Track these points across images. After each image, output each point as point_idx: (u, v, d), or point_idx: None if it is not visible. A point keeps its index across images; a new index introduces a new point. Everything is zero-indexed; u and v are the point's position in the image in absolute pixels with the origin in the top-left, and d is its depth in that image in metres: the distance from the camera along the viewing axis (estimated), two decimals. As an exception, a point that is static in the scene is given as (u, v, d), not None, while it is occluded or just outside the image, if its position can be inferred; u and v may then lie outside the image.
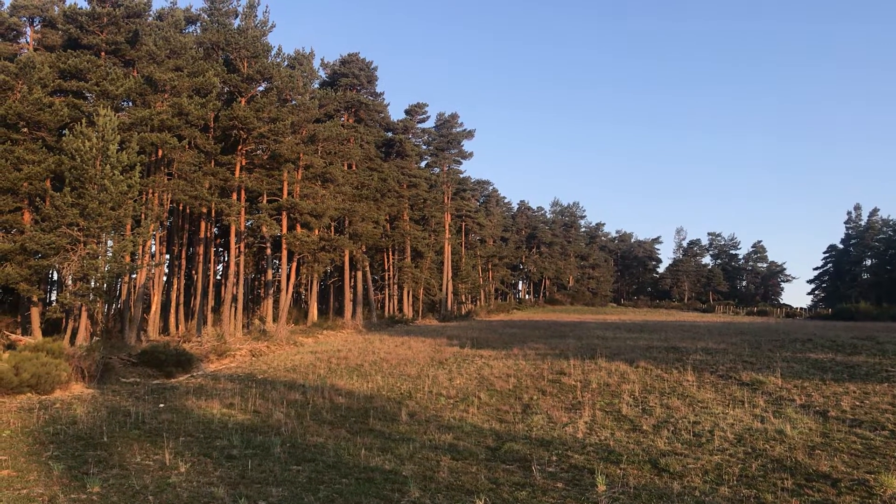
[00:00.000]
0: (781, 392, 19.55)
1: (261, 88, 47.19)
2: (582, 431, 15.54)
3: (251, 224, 49.36)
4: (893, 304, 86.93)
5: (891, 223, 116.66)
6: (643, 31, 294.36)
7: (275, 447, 13.47)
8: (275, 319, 49.16)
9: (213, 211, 45.48)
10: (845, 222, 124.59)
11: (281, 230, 47.74)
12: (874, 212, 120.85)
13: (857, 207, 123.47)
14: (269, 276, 52.64)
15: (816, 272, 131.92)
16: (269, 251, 51.70)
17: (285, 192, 48.82)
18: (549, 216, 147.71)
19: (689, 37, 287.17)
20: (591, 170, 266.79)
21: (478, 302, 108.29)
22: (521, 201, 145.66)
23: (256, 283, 71.48)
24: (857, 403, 17.38)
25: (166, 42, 38.83)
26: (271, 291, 51.95)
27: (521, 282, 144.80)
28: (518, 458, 13.00)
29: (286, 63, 51.00)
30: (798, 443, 13.73)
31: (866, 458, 12.47)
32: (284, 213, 48.10)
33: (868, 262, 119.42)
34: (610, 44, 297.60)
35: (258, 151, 47.68)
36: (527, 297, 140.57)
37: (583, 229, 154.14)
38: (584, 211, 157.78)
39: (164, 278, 47.60)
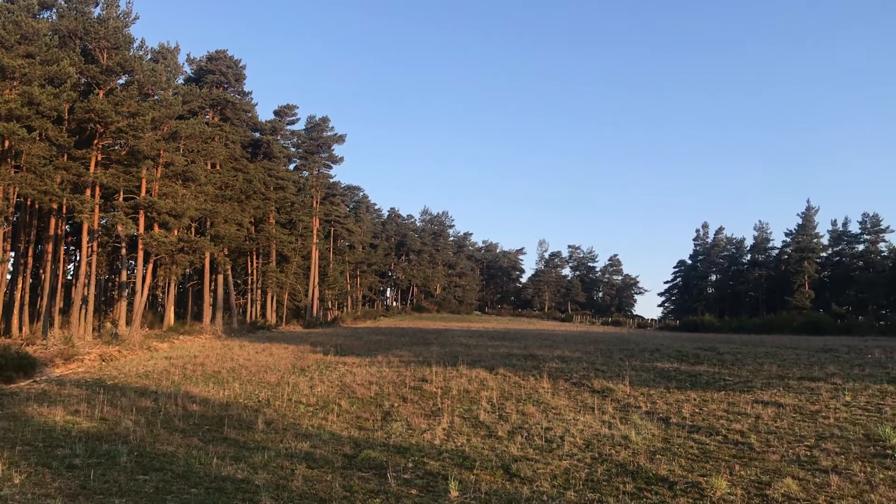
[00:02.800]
0: (629, 399, 20.53)
1: (121, 81, 45.18)
2: (439, 438, 15.77)
3: (106, 222, 47.18)
4: (734, 316, 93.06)
5: (734, 241, 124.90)
6: (509, 43, 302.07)
7: (121, 456, 12.94)
8: (129, 323, 47.03)
9: (64, 207, 43.08)
10: (694, 239, 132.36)
11: (137, 230, 45.76)
12: (720, 230, 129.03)
13: (705, 225, 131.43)
14: (124, 278, 50.36)
15: (667, 286, 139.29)
16: (124, 251, 49.43)
17: (143, 189, 46.89)
18: (418, 224, 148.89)
19: (552, 54, 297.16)
20: (460, 180, 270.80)
21: (345, 308, 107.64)
22: (391, 208, 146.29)
23: (110, 284, 68.19)
24: (697, 410, 18.49)
25: (17, 26, 36.59)
26: (126, 293, 49.72)
27: (389, 289, 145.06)
28: (374, 466, 13.05)
29: (149, 56, 49.19)
30: (641, 448, 14.46)
31: (701, 461, 13.27)
32: (142, 211, 46.16)
33: (713, 278, 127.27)
34: (478, 56, 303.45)
35: (116, 147, 45.66)
36: (394, 304, 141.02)
37: (451, 238, 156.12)
38: (452, 220, 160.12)
39: (9, 277, 44.59)
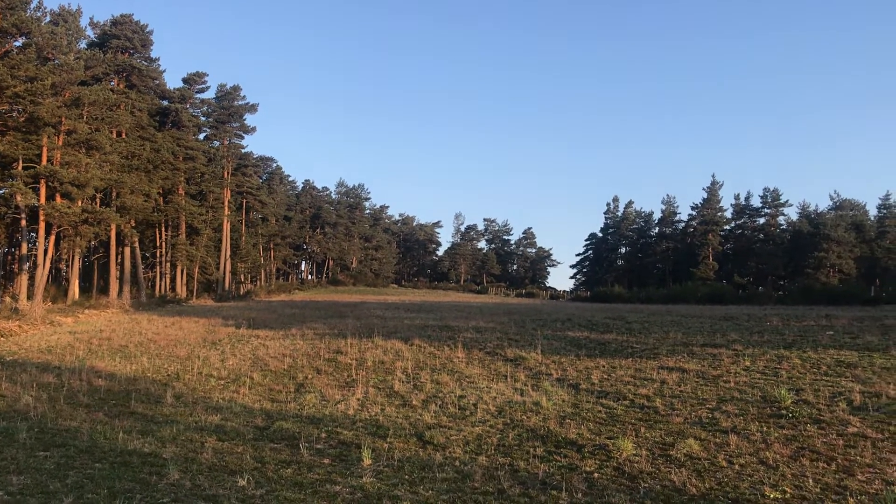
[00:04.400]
0: (541, 367, 20.99)
1: (17, 44, 42.94)
2: (354, 408, 15.77)
3: (4, 192, 44.96)
4: (642, 287, 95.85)
5: (643, 214, 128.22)
6: (426, 18, 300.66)
7: (20, 433, 12.42)
8: (30, 297, 45.11)
9: (-44, 176, 40.89)
10: (605, 213, 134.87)
11: (38, 200, 43.78)
12: (629, 203, 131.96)
13: (616, 199, 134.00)
14: (25, 250, 48.16)
15: (579, 258, 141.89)
16: (24, 223, 47.19)
17: (44, 158, 44.82)
18: (334, 197, 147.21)
19: (467, 32, 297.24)
20: (377, 152, 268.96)
21: (258, 282, 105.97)
22: (305, 180, 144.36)
23: (9, 257, 65.12)
24: (605, 377, 19.04)
25: None
26: (27, 267, 47.59)
27: (304, 262, 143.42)
28: (287, 437, 12.95)
29: (48, 19, 46.85)
30: (552, 413, 14.81)
31: (608, 425, 13.70)
32: (43, 181, 44.15)
33: (623, 250, 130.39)
34: (394, 32, 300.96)
35: (13, 113, 43.43)
36: (310, 277, 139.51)
37: (367, 211, 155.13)
38: (369, 193, 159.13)
39: None
